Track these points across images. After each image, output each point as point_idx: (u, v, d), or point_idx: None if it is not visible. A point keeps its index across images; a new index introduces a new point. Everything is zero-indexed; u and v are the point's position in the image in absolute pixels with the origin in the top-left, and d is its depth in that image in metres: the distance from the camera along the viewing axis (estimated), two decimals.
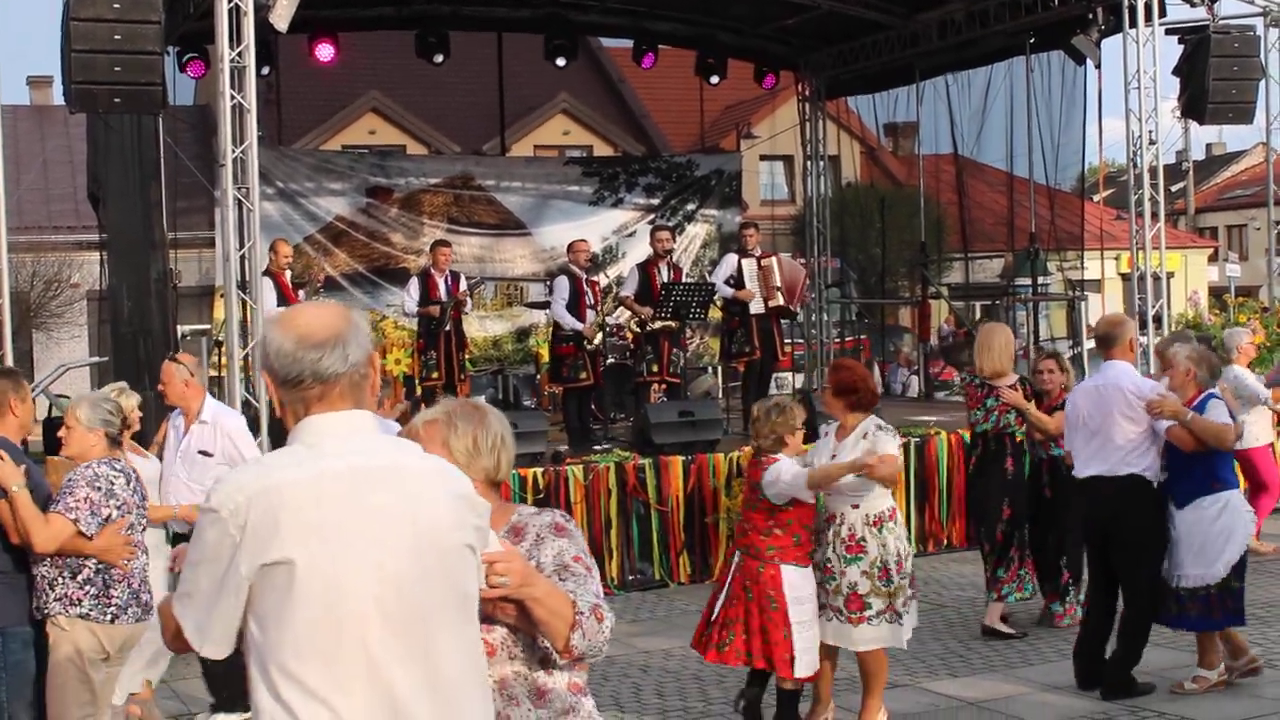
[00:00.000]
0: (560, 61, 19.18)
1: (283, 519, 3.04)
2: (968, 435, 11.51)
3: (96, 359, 22.63)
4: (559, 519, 3.94)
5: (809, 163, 21.21)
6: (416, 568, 3.14)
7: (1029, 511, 10.32)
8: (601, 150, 32.93)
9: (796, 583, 7.73)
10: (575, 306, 14.86)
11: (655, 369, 15.26)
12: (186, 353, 9.30)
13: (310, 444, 3.18)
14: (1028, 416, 10.12)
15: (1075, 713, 8.20)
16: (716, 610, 7.89)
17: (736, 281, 15.42)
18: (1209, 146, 58.59)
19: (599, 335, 15.18)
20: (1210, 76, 14.84)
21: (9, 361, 12.21)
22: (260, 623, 3.07)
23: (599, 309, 15.28)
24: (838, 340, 21.67)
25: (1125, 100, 15.61)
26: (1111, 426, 8.44)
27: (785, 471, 7.64)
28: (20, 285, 31.39)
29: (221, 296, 14.31)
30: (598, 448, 13.84)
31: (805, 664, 7.71)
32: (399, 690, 3.08)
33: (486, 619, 3.58)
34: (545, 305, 16.12)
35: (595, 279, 15.83)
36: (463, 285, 15.02)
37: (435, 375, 14.59)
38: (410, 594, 3.12)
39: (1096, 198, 37.34)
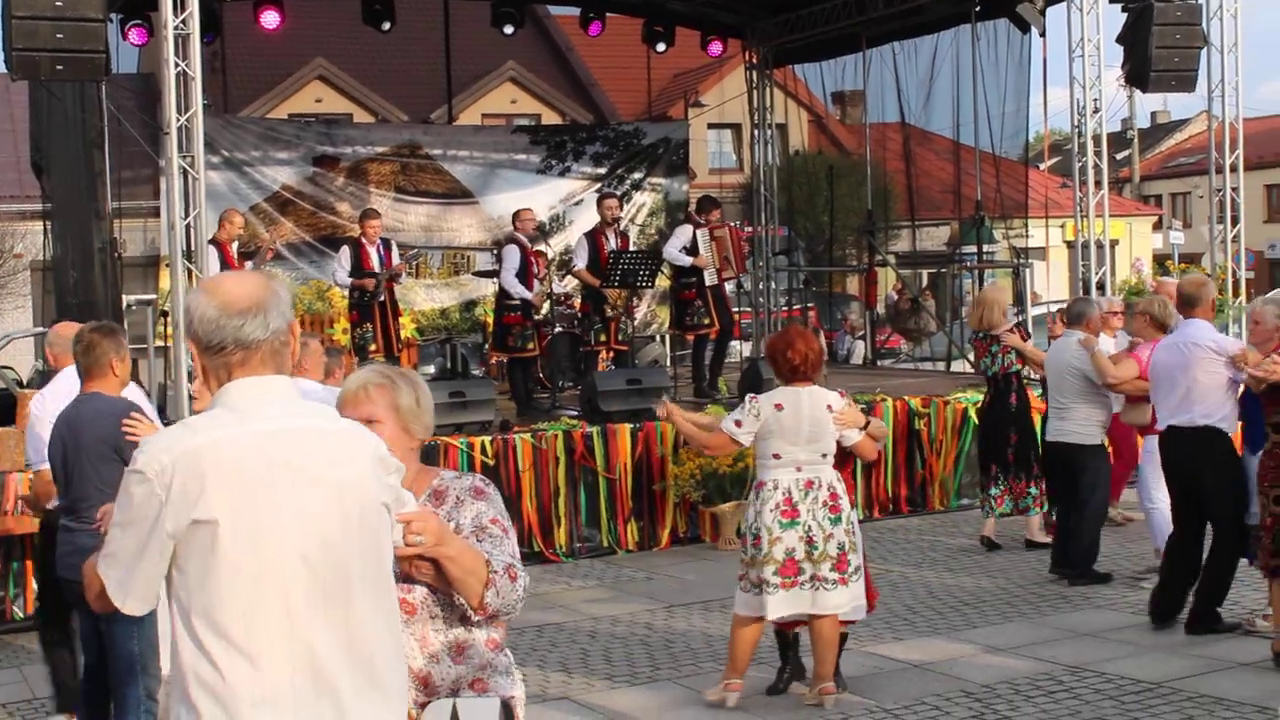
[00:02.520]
0: (508, 29, 19.11)
1: (208, 478, 3.14)
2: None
3: (41, 329, 22.48)
4: (478, 483, 4.10)
5: (756, 131, 21.23)
6: (337, 525, 3.25)
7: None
8: (549, 119, 32.86)
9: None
10: (524, 276, 14.89)
11: (604, 337, 15.31)
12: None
13: (233, 407, 3.28)
14: (1024, 352, 11.72)
15: (1017, 674, 8.31)
16: None
17: (690, 251, 15.45)
18: (1154, 115, 58.96)
19: (545, 304, 15.17)
20: (1153, 44, 14.91)
21: None
22: (185, 579, 3.17)
23: (544, 279, 15.27)
24: (785, 308, 21.72)
25: (1069, 68, 15.70)
26: (1192, 381, 8.92)
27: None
28: None
29: (167, 266, 14.23)
30: (544, 418, 13.87)
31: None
32: (318, 644, 3.20)
33: (406, 579, 3.74)
34: (493, 274, 16.08)
35: (540, 249, 15.83)
36: (395, 256, 14.91)
37: (373, 347, 14.52)
38: (331, 550, 3.24)
39: (1042, 166, 37.62)
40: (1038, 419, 11.99)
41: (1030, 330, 13.37)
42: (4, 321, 31.59)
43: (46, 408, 7.47)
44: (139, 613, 3.30)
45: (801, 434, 7.72)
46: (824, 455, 7.78)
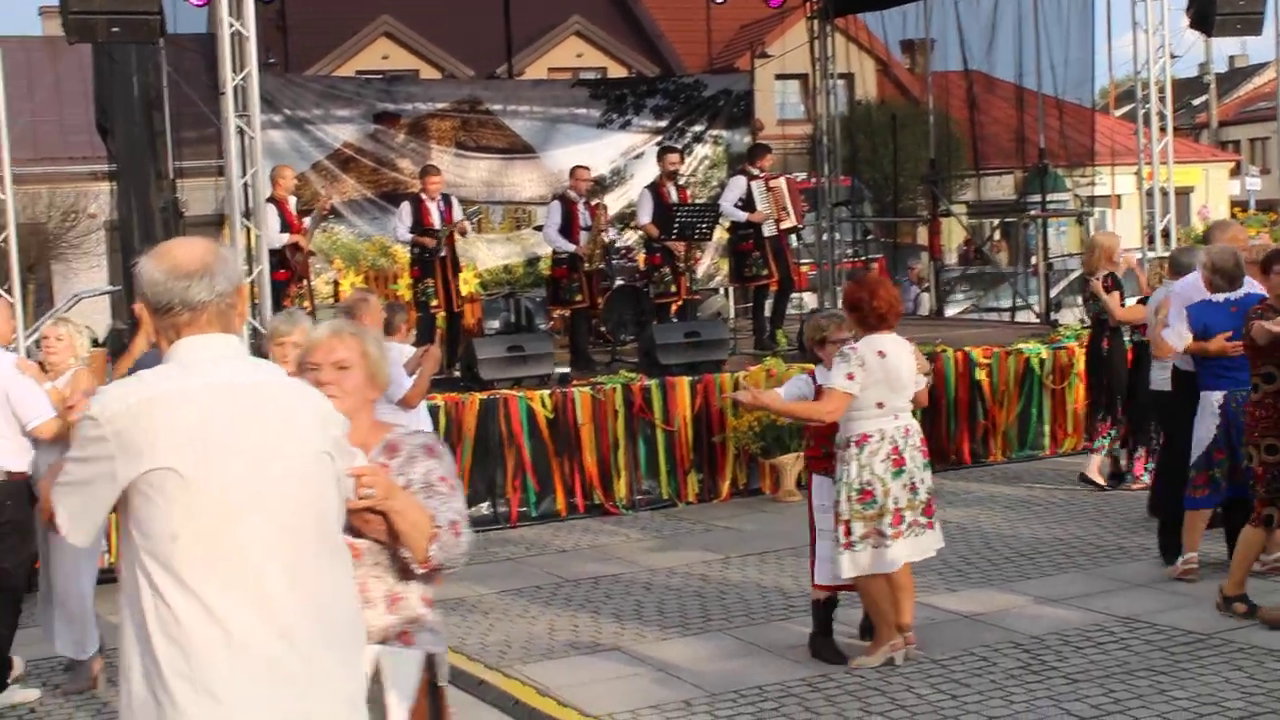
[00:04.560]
0: None
1: (159, 428, 3.27)
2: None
3: (109, 288, 22.76)
4: (430, 441, 4.27)
5: (821, 81, 21.06)
6: (283, 472, 3.40)
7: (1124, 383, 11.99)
8: (615, 72, 32.75)
9: (822, 490, 7.83)
10: (568, 230, 14.93)
11: (674, 289, 15.32)
12: None
13: (182, 363, 3.43)
14: (1101, 301, 11.81)
15: (1067, 625, 8.28)
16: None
17: (745, 204, 15.42)
18: (1232, 59, 57.99)
19: (597, 256, 15.16)
20: None
21: (16, 294, 12.28)
22: (138, 525, 3.29)
23: (601, 232, 15.26)
24: (850, 260, 21.59)
25: (1133, 11, 15.47)
26: None
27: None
28: (38, 216, 31.53)
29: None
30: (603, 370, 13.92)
31: (822, 573, 7.81)
32: (268, 584, 3.33)
33: (355, 531, 3.85)
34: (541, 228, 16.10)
35: (597, 202, 15.81)
36: (456, 212, 14.91)
37: (435, 302, 14.55)
38: (278, 497, 3.38)
39: (1118, 113, 37.11)
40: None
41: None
42: (79, 282, 31.97)
43: None
44: (81, 544, 3.49)
45: (902, 380, 7.65)
46: (910, 401, 7.78)
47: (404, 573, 4.07)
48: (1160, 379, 10.45)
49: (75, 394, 8.19)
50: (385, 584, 4.06)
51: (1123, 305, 11.94)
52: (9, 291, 12.45)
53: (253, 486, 3.34)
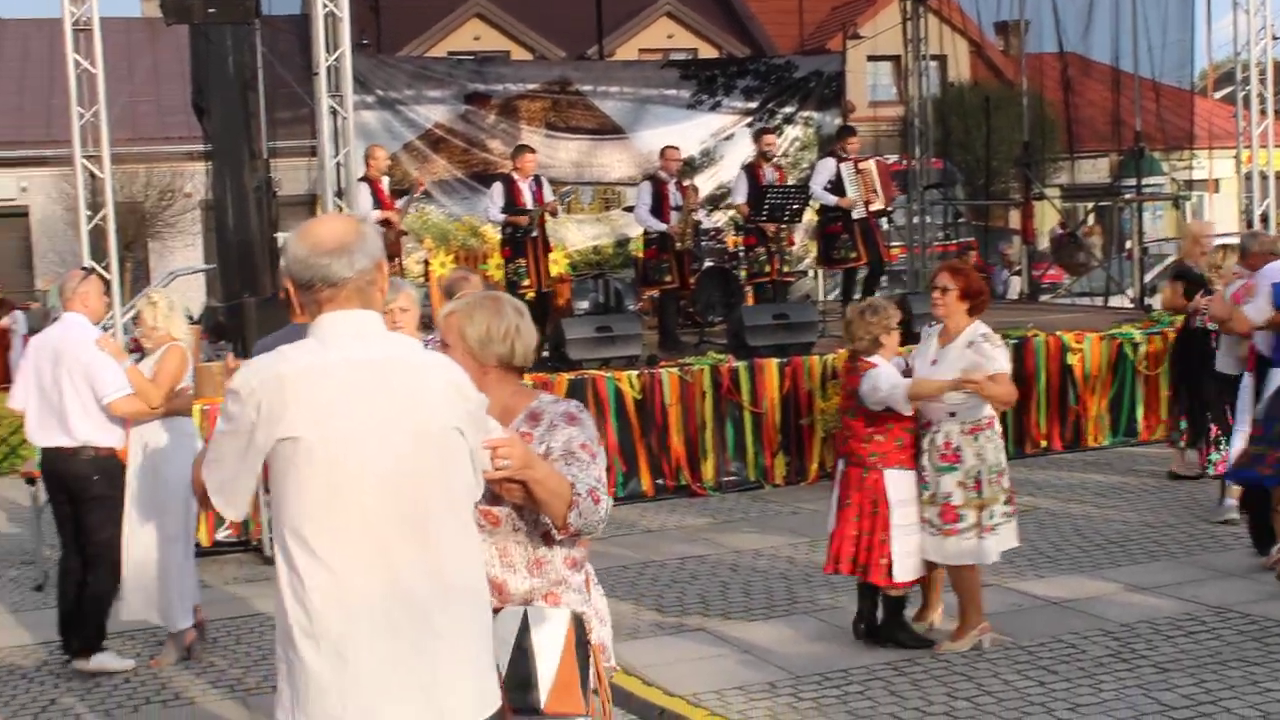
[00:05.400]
0: None
1: (295, 400, 3.41)
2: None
3: (204, 266, 23.08)
4: (573, 409, 4.27)
5: (914, 62, 20.91)
6: (413, 446, 3.50)
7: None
8: (706, 53, 32.70)
9: (900, 485, 7.64)
10: (658, 210, 14.94)
11: (768, 269, 15.28)
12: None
13: (321, 338, 3.54)
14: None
15: (1158, 613, 8.18)
16: (831, 523, 7.79)
17: (835, 186, 15.34)
18: None
19: (687, 237, 15.14)
20: None
21: (114, 271, 12.47)
22: (276, 493, 3.47)
23: (692, 212, 15.24)
24: (940, 243, 21.44)
25: None
26: None
27: (883, 381, 7.50)
28: (135, 195, 31.99)
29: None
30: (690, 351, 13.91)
31: (906, 568, 7.64)
32: (393, 551, 3.45)
33: (495, 499, 3.95)
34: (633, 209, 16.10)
35: (688, 183, 15.79)
36: (547, 193, 14.94)
37: (526, 282, 14.59)
38: (406, 469, 3.49)
39: (1217, 96, 36.48)
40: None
41: None
42: (175, 260, 32.41)
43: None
44: (234, 517, 3.63)
45: None
46: (952, 414, 7.71)
47: (546, 538, 4.16)
48: (1226, 363, 10.49)
49: (164, 374, 8.36)
50: (527, 549, 4.13)
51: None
52: (107, 269, 12.65)
53: (380, 457, 3.45)
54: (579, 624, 4.22)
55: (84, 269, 10.53)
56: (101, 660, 8.35)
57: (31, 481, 10.89)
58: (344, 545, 3.42)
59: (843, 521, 7.69)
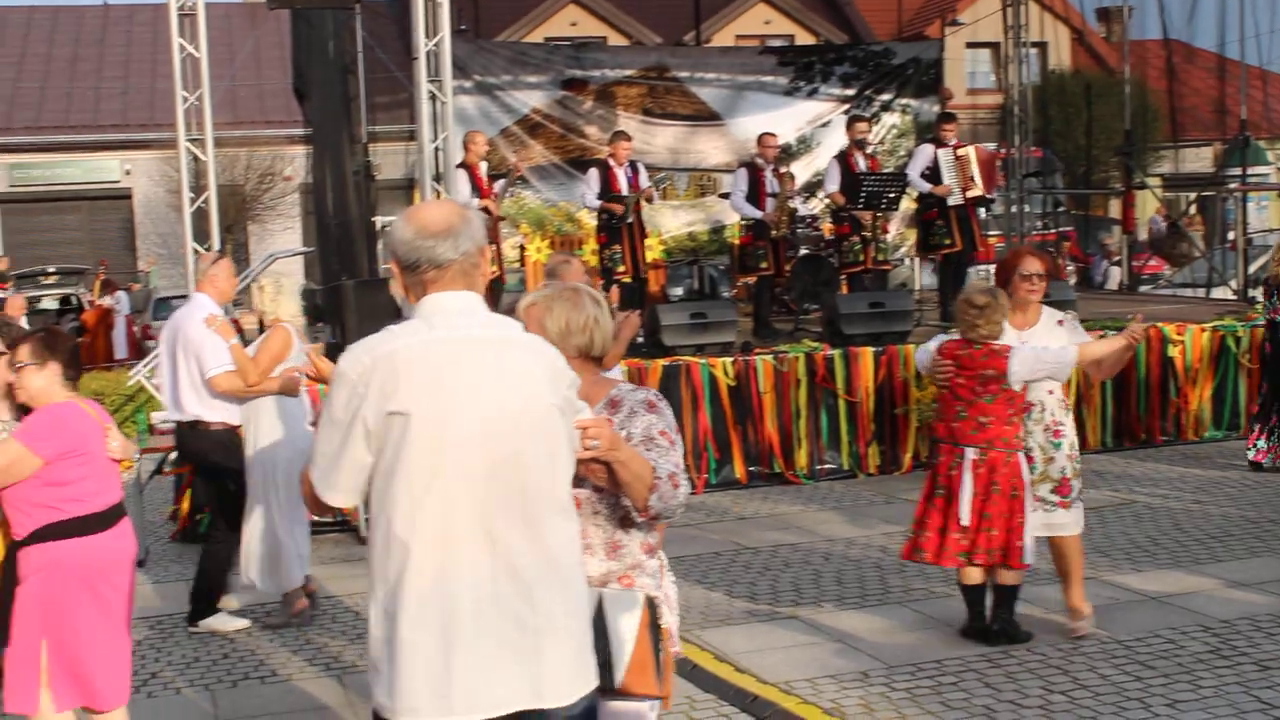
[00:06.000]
0: None
1: (402, 376, 3.50)
2: None
3: (303, 249, 23.35)
4: (651, 397, 4.42)
5: (1013, 49, 20.69)
6: (518, 424, 3.59)
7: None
8: (803, 40, 32.59)
9: (1027, 468, 7.64)
10: (755, 197, 14.89)
11: (861, 258, 15.19)
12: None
13: (427, 318, 3.65)
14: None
15: (1259, 609, 8.06)
16: (966, 514, 7.51)
17: (931, 173, 15.21)
18: None
19: (783, 224, 15.08)
20: None
21: (215, 250, 12.63)
22: (381, 470, 3.53)
23: (788, 199, 15.18)
24: (1039, 232, 21.23)
25: None
26: None
27: (1046, 355, 7.47)
28: (235, 179, 32.42)
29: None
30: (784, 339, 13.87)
31: (1030, 551, 7.64)
32: (496, 528, 3.53)
33: (577, 480, 3.97)
34: (729, 196, 16.05)
35: (784, 170, 15.72)
36: (643, 180, 14.94)
37: (621, 268, 14.61)
38: (511, 447, 3.57)
39: None
40: None
41: None
42: (274, 243, 32.81)
43: None
44: (342, 504, 3.67)
45: None
46: (1051, 391, 7.84)
47: (624, 521, 4.26)
48: None
49: (265, 354, 8.56)
50: (605, 532, 4.23)
51: None
52: (209, 250, 12.82)
53: (485, 434, 3.53)
54: (653, 607, 4.33)
55: (218, 251, 10.78)
56: (211, 622, 8.72)
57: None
58: (448, 523, 3.48)
59: (989, 511, 7.50)
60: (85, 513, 5.62)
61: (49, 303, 29.18)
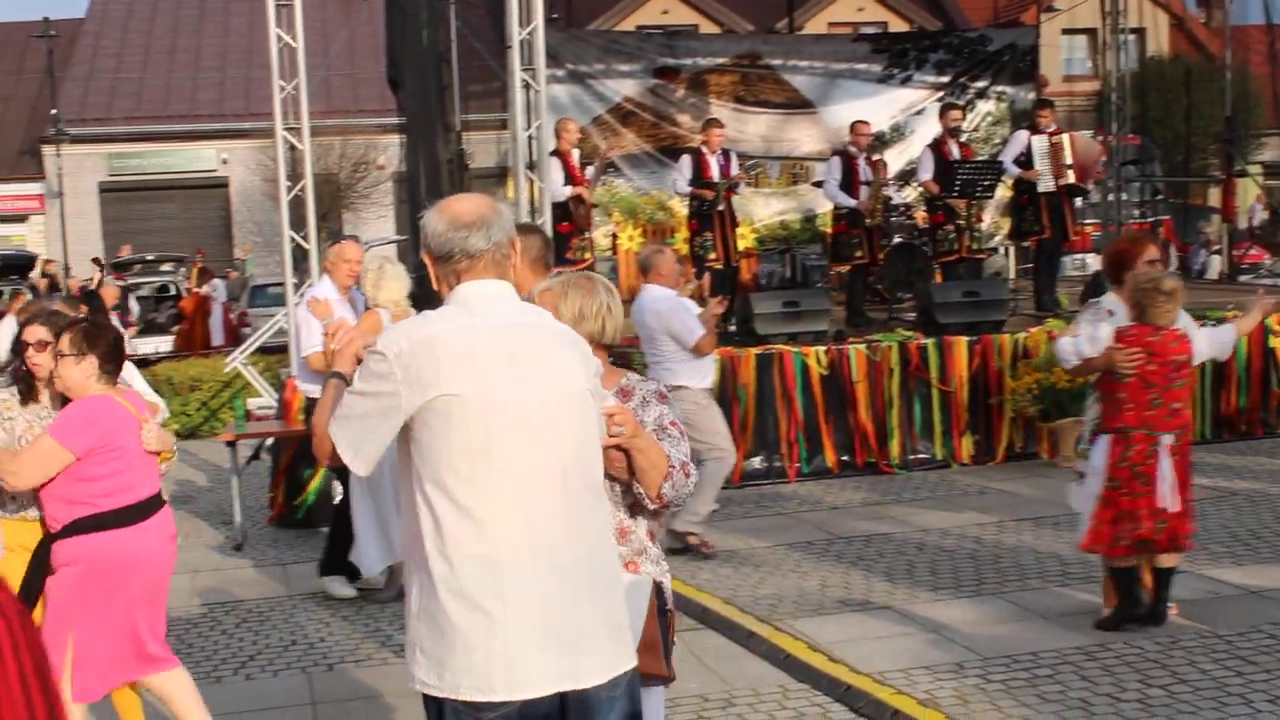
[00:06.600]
0: None
1: (441, 360, 3.56)
2: None
3: (396, 237, 23.52)
4: (661, 388, 4.56)
5: (1111, 35, 20.43)
6: (553, 404, 3.66)
7: None
8: (897, 27, 32.34)
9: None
10: (848, 185, 14.79)
11: (955, 247, 15.06)
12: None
13: (463, 304, 3.73)
14: None
15: None
16: (1171, 500, 7.40)
17: (1025, 159, 15.04)
18: None
19: (877, 212, 14.98)
20: None
21: (313, 240, 12.75)
22: (419, 451, 3.58)
23: (882, 187, 15.07)
24: (1136, 220, 20.94)
25: None
26: None
27: (1213, 333, 7.69)
28: (330, 167, 32.71)
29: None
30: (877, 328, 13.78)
31: None
32: (538, 508, 3.58)
33: None
34: (821, 184, 15.95)
35: (878, 158, 15.61)
36: (734, 167, 14.89)
37: (712, 256, 14.57)
38: (551, 429, 3.64)
39: None
40: None
41: None
42: (367, 231, 33.05)
43: None
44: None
45: None
46: None
47: (633, 508, 4.38)
48: None
49: (371, 328, 8.71)
50: (614, 518, 4.28)
51: None
52: (306, 239, 12.95)
53: (527, 416, 3.59)
54: (659, 591, 4.46)
55: (348, 236, 11.03)
56: (325, 582, 9.27)
57: (231, 445, 11.22)
58: (492, 502, 3.54)
59: (1184, 494, 7.47)
60: (118, 506, 5.67)
61: (147, 290, 29.60)
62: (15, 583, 5.32)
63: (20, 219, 39.36)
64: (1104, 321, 7.65)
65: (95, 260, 31.87)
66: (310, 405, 9.18)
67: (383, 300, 8.94)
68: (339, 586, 9.18)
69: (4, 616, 3.85)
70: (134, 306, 27.66)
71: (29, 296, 19.65)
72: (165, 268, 31.16)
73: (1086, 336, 7.60)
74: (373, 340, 3.74)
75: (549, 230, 12.71)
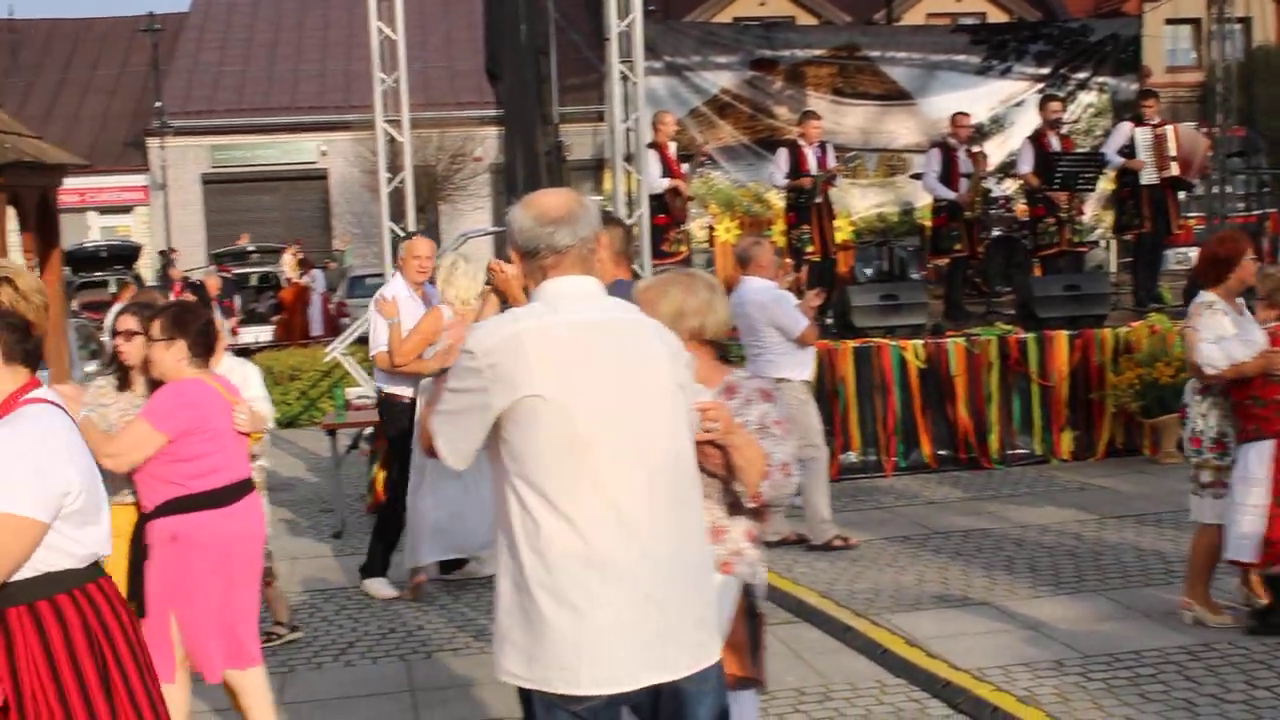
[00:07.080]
0: None
1: (529, 359, 3.54)
2: None
3: (493, 229, 23.63)
4: (767, 386, 4.50)
5: (1216, 25, 20.11)
6: (642, 401, 3.65)
7: None
8: (996, 18, 32.05)
9: None
10: (948, 178, 14.66)
11: (1056, 240, 14.89)
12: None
13: (549, 301, 3.71)
14: None
15: None
16: None
17: (1128, 151, 14.84)
18: None
19: (977, 205, 14.84)
20: None
21: (412, 230, 12.84)
22: (509, 449, 3.59)
23: (982, 179, 14.93)
24: (1242, 214, 20.61)
25: None
26: None
27: None
28: (427, 159, 32.95)
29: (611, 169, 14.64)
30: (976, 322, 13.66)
31: None
32: (629, 504, 3.57)
33: None
34: (920, 177, 15.82)
35: (977, 149, 15.46)
36: (831, 159, 14.81)
37: (810, 248, 14.51)
38: (642, 425, 3.63)
39: None
40: None
41: None
42: (464, 223, 33.29)
43: None
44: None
45: None
46: None
47: (731, 507, 4.32)
48: None
49: (414, 333, 8.88)
50: (711, 515, 4.23)
51: None
52: (404, 229, 13.04)
53: (615, 413, 3.58)
54: (750, 595, 4.39)
55: (412, 231, 11.11)
56: (369, 583, 9.20)
57: (331, 433, 11.34)
58: (583, 499, 3.53)
59: None
60: (210, 488, 5.73)
61: (250, 280, 30.01)
62: (117, 568, 5.40)
63: (125, 210, 40.05)
64: (1226, 320, 7.48)
65: (162, 252, 32.40)
66: (387, 401, 9.25)
67: (450, 297, 8.90)
68: (381, 588, 9.12)
69: (116, 616, 3.94)
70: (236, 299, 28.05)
71: (136, 287, 19.99)
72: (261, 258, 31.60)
73: (1239, 340, 7.39)
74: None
75: (645, 223, 12.70)
